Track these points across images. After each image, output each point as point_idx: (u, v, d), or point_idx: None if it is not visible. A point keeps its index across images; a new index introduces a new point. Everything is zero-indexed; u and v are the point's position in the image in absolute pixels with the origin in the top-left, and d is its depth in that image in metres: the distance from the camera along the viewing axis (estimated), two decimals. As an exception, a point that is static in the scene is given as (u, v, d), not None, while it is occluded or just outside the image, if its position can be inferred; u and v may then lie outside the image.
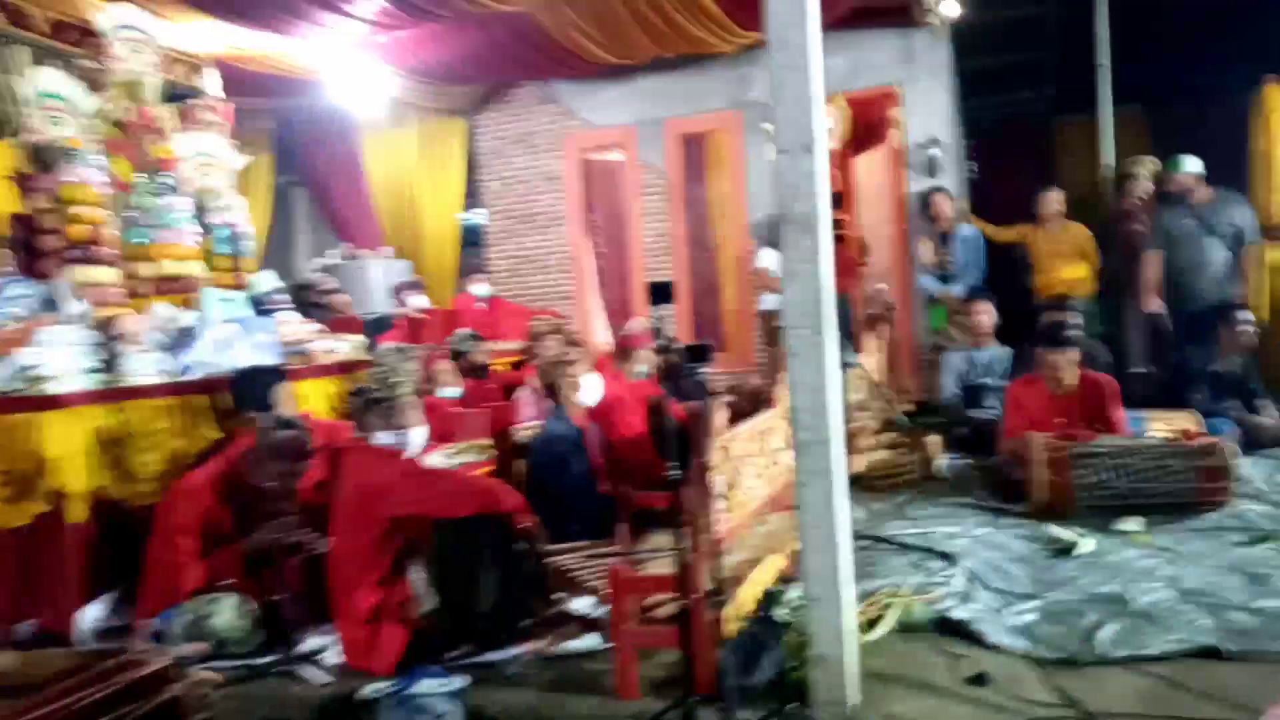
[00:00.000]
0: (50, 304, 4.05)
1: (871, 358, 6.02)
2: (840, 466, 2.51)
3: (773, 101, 2.49)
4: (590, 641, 3.09)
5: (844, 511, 2.51)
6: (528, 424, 4.48)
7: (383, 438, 3.35)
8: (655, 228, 7.72)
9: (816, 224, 2.45)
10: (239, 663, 3.23)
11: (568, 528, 3.68)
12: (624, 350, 5.22)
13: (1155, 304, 5.93)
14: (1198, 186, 5.85)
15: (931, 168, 7.01)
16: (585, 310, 7.85)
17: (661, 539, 3.32)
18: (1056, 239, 6.46)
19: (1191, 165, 5.93)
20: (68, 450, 3.61)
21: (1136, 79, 7.25)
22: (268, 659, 3.25)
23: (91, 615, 3.59)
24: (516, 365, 5.95)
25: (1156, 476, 4.07)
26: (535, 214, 7.95)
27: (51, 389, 3.67)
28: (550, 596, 3.29)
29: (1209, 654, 2.68)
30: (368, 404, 3.38)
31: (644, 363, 5.14)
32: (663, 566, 2.96)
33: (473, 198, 8.56)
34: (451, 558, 3.08)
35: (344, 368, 4.81)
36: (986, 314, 5.92)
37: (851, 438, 4.94)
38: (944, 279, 6.55)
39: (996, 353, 5.87)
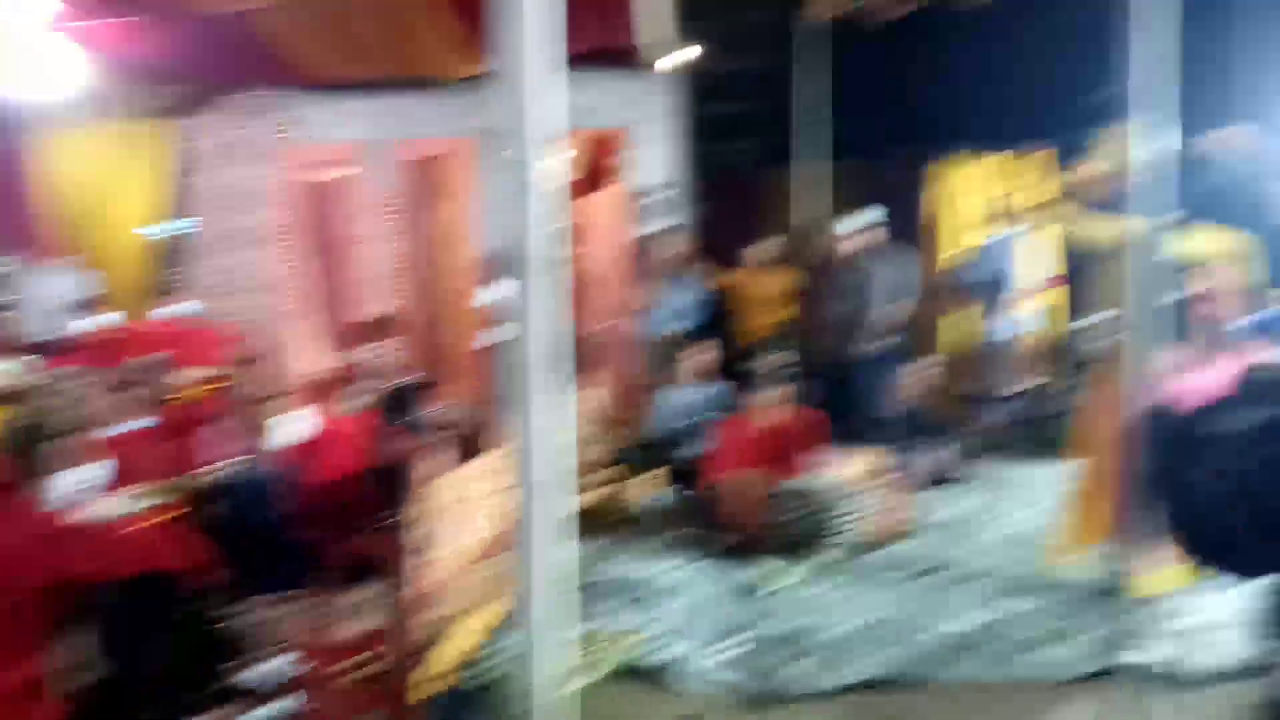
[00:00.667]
0: None
1: (595, 394, 6.08)
2: (562, 508, 2.47)
3: (503, 134, 2.43)
4: (282, 708, 2.84)
5: (564, 555, 2.46)
6: (223, 463, 4.10)
7: (46, 483, 2.91)
8: (380, 253, 7.42)
9: (545, 262, 2.41)
10: None
11: (262, 580, 3.37)
12: (336, 383, 4.93)
13: (841, 349, 6.48)
14: (872, 241, 6.44)
15: (660, 211, 7.24)
16: (298, 337, 7.37)
17: (365, 592, 3.12)
18: (764, 285, 6.89)
19: (860, 221, 6.52)
20: None
21: (851, 134, 7.98)
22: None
23: None
24: (214, 395, 5.45)
25: (854, 510, 4.41)
26: (247, 230, 7.38)
27: None
28: (236, 660, 2.99)
29: (893, 682, 2.89)
30: (24, 442, 2.92)
31: (359, 397, 4.88)
32: (366, 622, 2.78)
33: (179, 209, 7.82)
34: (118, 620, 2.72)
35: (6, 397, 4.18)
36: (706, 353, 6.17)
37: (579, 475, 4.95)
38: (673, 318, 6.74)
39: (712, 392, 6.12)
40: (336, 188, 7.54)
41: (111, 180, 7.72)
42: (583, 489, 4.95)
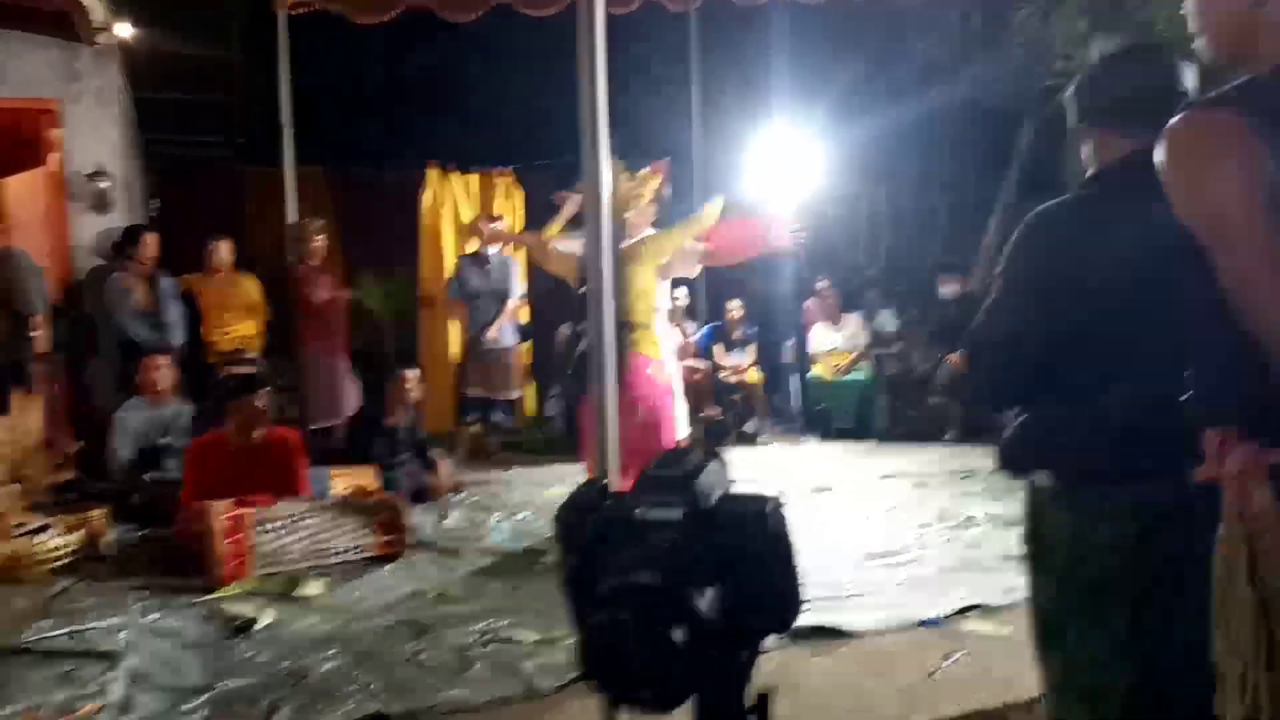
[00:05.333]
0: None
1: (22, 418, 5.06)
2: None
3: None
4: None
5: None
6: None
7: None
8: None
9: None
10: None
11: None
12: None
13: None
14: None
15: (101, 201, 6.25)
16: None
17: None
18: (227, 292, 6.28)
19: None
20: None
21: (325, 139, 7.59)
22: None
23: None
24: None
25: (337, 534, 4.14)
26: None
27: None
28: None
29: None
30: None
31: None
32: None
33: None
34: None
35: None
36: (166, 368, 5.46)
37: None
38: (155, 327, 5.78)
39: (179, 409, 5.44)
40: None
41: None
42: (3, 534, 4.07)
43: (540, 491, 5.39)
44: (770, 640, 0.94)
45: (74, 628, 3.41)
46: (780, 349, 8.17)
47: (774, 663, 1.51)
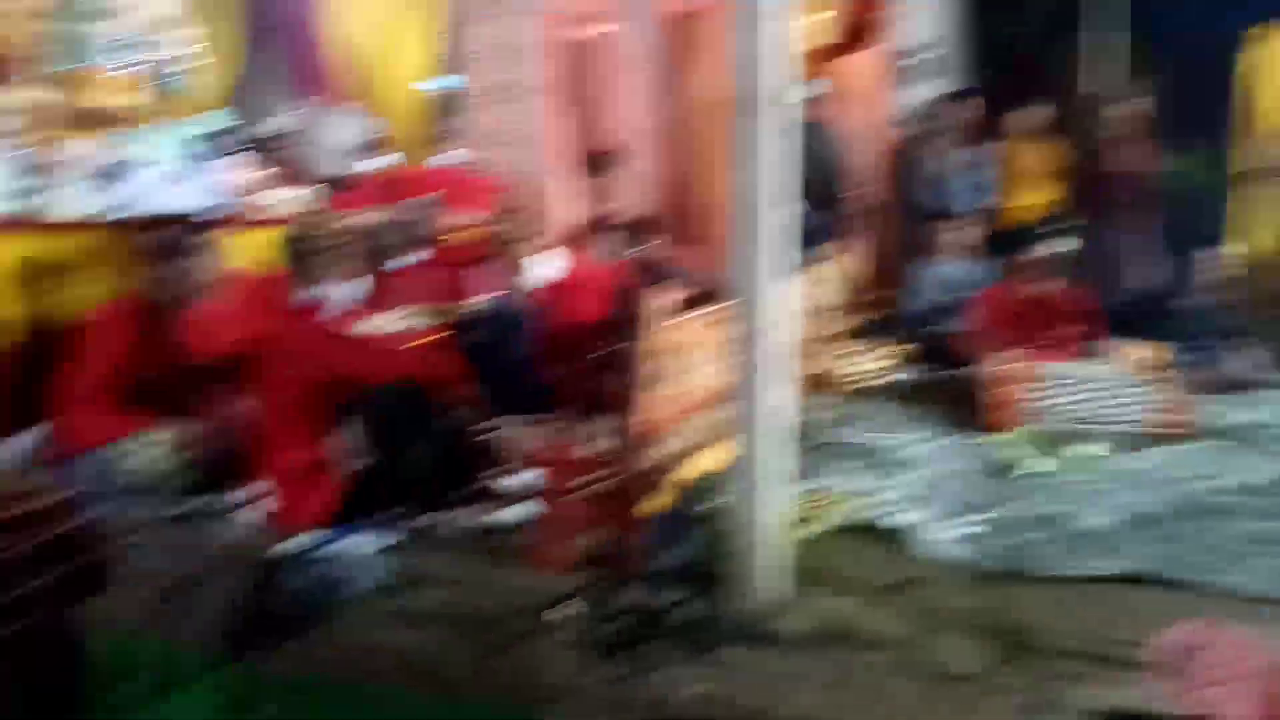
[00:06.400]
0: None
1: (850, 263, 5.88)
2: (779, 349, 2.39)
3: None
4: (520, 514, 3.01)
5: (780, 396, 2.40)
6: (479, 299, 4.31)
7: (313, 290, 3.18)
8: (636, 109, 7.40)
9: (775, 89, 2.26)
10: (162, 506, 3.13)
11: (508, 405, 3.55)
12: (590, 232, 5.02)
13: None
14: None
15: (927, 75, 6.72)
16: (556, 189, 7.58)
17: (600, 424, 3.21)
18: (1034, 158, 6.25)
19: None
20: (-8, 276, 3.43)
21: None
22: (192, 505, 3.14)
23: (16, 448, 3.45)
24: (479, 237, 5.73)
25: (1117, 404, 4.01)
26: (511, 85, 7.58)
27: (-24, 212, 3.45)
28: (484, 469, 3.19)
29: (1147, 580, 2.64)
30: (298, 255, 3.19)
31: (611, 246, 4.96)
32: (599, 447, 2.86)
33: (450, 63, 8.15)
34: (385, 420, 2.96)
35: (290, 222, 4.59)
36: (971, 228, 5.78)
37: (814, 338, 4.83)
38: (950, 193, 6.28)
39: (975, 270, 5.74)
40: (597, 43, 7.55)
41: (394, 35, 8.13)
42: (823, 351, 4.85)
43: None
44: None
45: (872, 437, 3.95)
46: None
47: None
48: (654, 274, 4.67)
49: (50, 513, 1.89)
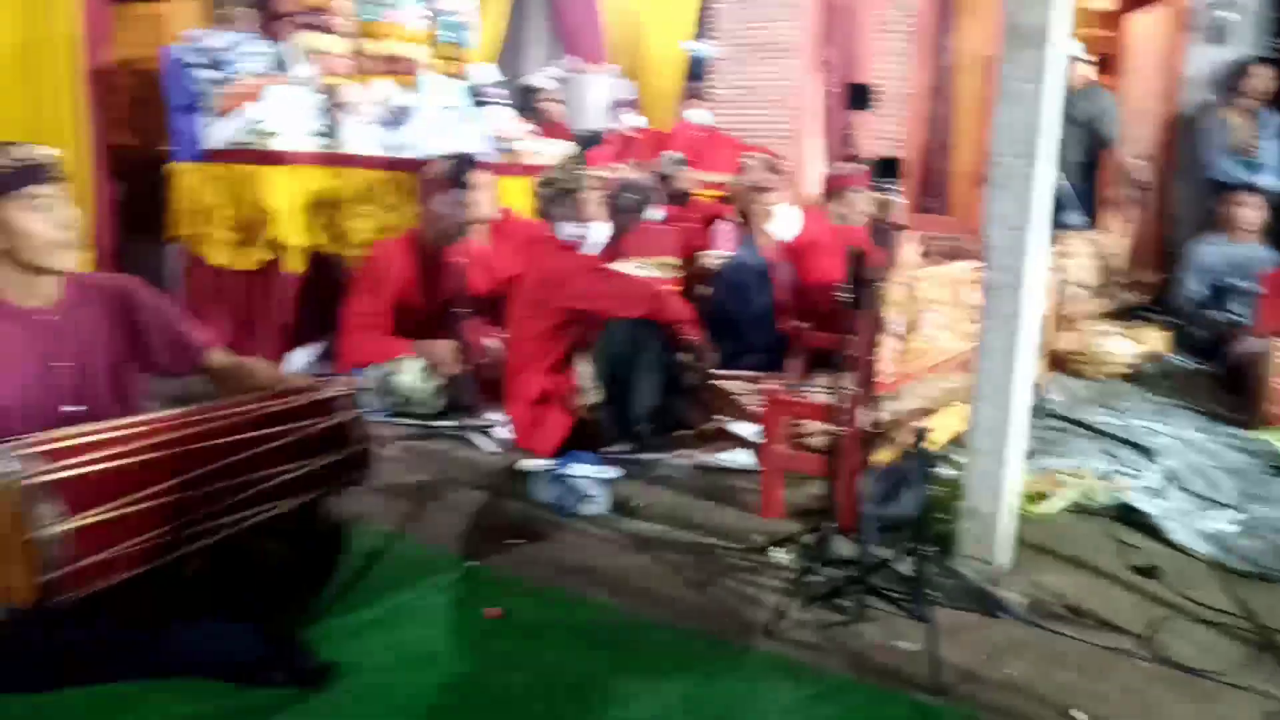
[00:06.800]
0: (282, 65, 4.24)
1: (1111, 238, 5.46)
2: (1031, 316, 2.30)
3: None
4: (741, 459, 3.08)
5: (1026, 364, 2.31)
6: (722, 252, 4.38)
7: (567, 229, 3.36)
8: (893, 71, 7.15)
9: (1044, 37, 2.15)
10: (418, 422, 3.50)
11: (741, 356, 3.62)
12: (832, 191, 4.95)
13: None
14: None
15: (1221, 35, 6.05)
16: (802, 149, 7.49)
17: (831, 378, 3.21)
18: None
19: None
20: (288, 205, 3.87)
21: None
22: (445, 423, 3.50)
23: (299, 359, 3.92)
24: (724, 200, 5.81)
25: None
26: (765, 44, 7.54)
27: (277, 145, 3.89)
28: (710, 414, 3.28)
29: None
30: (555, 195, 3.38)
31: (853, 207, 4.87)
32: (828, 401, 2.86)
33: (704, 25, 8.22)
34: (619, 357, 3.11)
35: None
36: (1254, 207, 5.20)
37: (1067, 315, 4.56)
38: (1248, 166, 5.67)
39: (1257, 252, 5.17)
40: (852, 3, 7.36)
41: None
42: (1078, 329, 4.58)
43: None
44: None
45: (1122, 421, 3.71)
46: None
47: None
48: (894, 231, 4.56)
49: (330, 404, 2.11)
